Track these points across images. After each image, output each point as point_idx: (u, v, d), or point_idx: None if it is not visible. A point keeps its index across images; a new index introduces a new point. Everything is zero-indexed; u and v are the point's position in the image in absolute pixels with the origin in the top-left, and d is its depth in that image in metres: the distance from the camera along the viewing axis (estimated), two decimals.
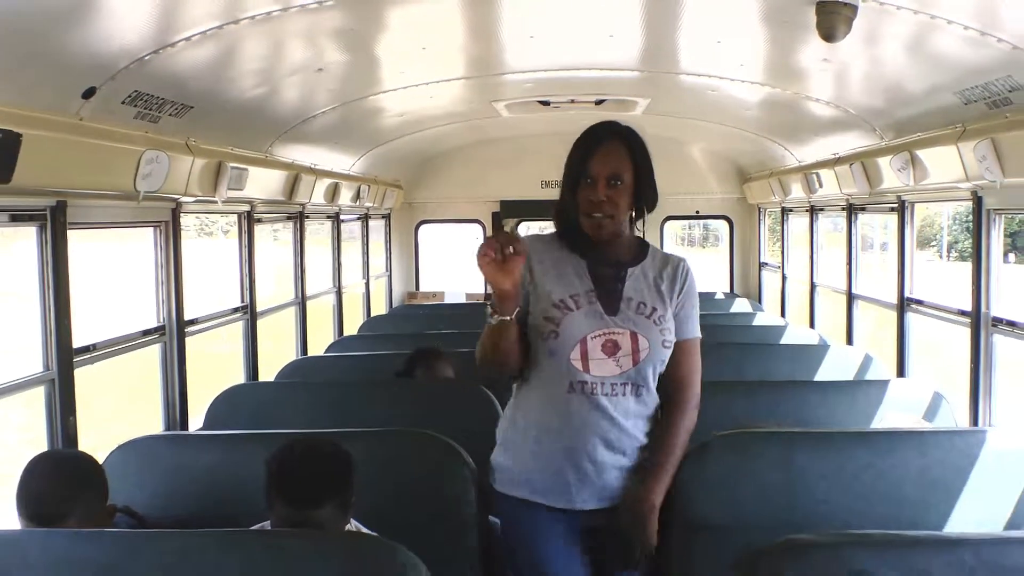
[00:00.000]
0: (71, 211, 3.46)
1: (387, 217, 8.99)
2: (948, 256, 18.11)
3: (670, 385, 2.78)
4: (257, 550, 2.20)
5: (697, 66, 4.94)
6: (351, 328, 7.37)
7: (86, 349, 3.61)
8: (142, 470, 3.08)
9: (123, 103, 3.35)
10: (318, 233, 7.22)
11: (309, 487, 2.47)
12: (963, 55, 3.32)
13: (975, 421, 4.44)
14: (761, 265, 9.01)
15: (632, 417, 2.71)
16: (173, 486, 3.08)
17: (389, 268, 9.14)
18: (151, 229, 4.29)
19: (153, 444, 3.27)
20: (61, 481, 2.52)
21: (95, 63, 3.04)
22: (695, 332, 2.81)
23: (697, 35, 4.21)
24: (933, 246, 18.42)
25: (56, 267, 3.36)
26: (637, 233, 2.83)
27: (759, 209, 8.92)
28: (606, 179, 2.63)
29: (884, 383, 4.13)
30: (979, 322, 4.32)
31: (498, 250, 2.45)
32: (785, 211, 8.03)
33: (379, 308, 8.72)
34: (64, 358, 3.39)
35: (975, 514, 2.94)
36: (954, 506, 2.98)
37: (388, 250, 9.14)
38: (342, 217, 7.43)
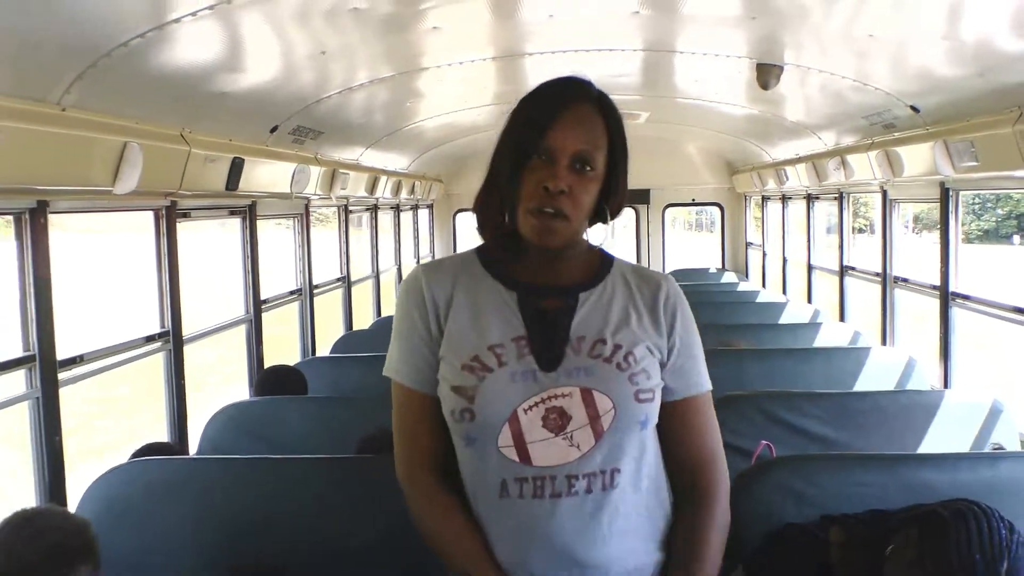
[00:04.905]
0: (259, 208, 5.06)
1: (431, 207, 10.44)
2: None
3: (679, 469, 1.82)
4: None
5: (686, 92, 6.35)
6: None
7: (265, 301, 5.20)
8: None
9: (288, 133, 4.89)
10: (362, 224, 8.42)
11: None
12: (860, 94, 4.75)
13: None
14: (747, 244, 10.41)
15: (615, 531, 1.71)
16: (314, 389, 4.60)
17: (432, 250, 10.59)
18: (292, 220, 5.87)
19: (298, 368, 4.81)
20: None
21: (279, 110, 4.57)
22: (705, 384, 1.83)
23: (682, 74, 5.69)
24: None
25: (251, 247, 4.95)
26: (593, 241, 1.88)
27: (745, 197, 10.24)
28: (571, 160, 1.72)
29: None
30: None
31: None
32: (764, 199, 9.38)
33: None
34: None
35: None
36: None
37: (431, 234, 10.57)
38: (400, 208, 8.91)
